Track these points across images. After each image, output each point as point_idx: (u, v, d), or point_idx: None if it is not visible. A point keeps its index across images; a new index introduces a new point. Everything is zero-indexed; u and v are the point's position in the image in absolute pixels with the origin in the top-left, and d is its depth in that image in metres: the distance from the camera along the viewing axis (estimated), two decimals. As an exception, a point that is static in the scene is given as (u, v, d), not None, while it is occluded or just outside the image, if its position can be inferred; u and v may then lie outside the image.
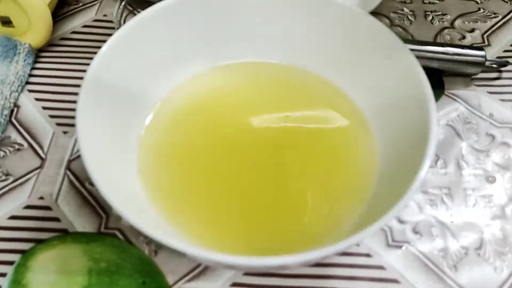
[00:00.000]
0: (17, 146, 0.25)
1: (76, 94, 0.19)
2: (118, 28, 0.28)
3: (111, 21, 0.31)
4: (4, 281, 0.20)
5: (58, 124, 0.26)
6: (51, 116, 0.26)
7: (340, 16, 0.22)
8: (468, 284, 0.21)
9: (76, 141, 0.25)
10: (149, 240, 0.22)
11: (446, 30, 0.30)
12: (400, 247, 0.22)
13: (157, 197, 0.20)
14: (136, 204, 0.19)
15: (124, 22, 0.29)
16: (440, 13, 0.31)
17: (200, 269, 0.21)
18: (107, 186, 0.16)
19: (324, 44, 0.23)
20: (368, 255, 0.21)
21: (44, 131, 0.26)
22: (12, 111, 0.26)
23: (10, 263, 0.21)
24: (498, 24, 0.31)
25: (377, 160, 0.21)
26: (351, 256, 0.21)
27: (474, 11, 0.32)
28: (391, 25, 0.31)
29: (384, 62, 0.21)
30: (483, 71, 0.27)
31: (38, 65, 0.28)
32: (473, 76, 0.28)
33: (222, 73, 0.24)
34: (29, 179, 0.24)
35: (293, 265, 0.16)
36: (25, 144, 0.25)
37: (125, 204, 0.17)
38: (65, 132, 0.26)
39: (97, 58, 0.20)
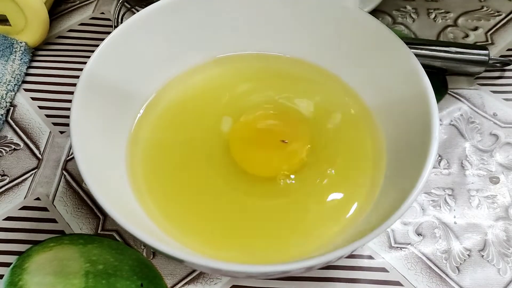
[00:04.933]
0: (13, 146, 0.25)
1: (73, 93, 0.19)
2: (115, 26, 0.28)
3: (108, 19, 0.31)
4: (0, 283, 0.20)
5: (55, 124, 0.26)
6: (48, 116, 0.26)
7: (340, 14, 0.22)
8: (471, 286, 0.20)
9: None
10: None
11: (449, 28, 0.30)
12: (403, 249, 0.21)
13: (149, 200, 0.20)
14: (132, 209, 0.19)
15: (122, 20, 0.29)
16: (443, 11, 0.31)
17: (199, 272, 0.21)
18: (102, 192, 0.16)
19: (326, 39, 0.23)
20: (370, 257, 0.21)
21: (41, 131, 0.25)
22: (8, 110, 0.26)
23: (6, 264, 0.21)
24: (501, 23, 0.30)
25: (383, 160, 0.20)
26: (353, 258, 0.21)
27: (477, 9, 0.31)
28: (394, 23, 0.30)
29: (385, 60, 0.21)
30: (486, 70, 0.27)
31: (34, 64, 0.28)
32: (477, 75, 0.27)
33: (221, 65, 0.24)
34: (25, 179, 0.23)
35: (294, 271, 0.15)
36: (22, 144, 0.25)
37: (122, 210, 0.16)
38: (61, 132, 0.25)
39: (93, 57, 0.20)
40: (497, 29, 0.30)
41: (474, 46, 0.27)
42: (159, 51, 0.23)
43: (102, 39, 0.20)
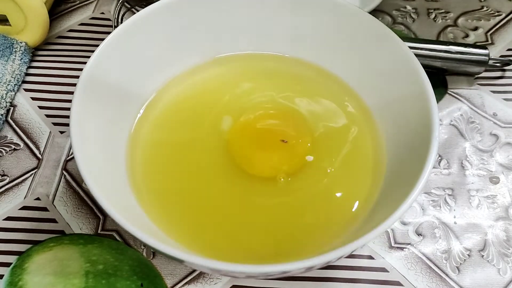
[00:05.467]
0: (13, 146, 0.25)
1: (73, 93, 0.19)
2: (115, 26, 0.28)
3: (108, 19, 0.31)
4: (0, 283, 0.20)
5: (55, 124, 0.26)
6: (48, 116, 0.26)
7: (340, 14, 0.22)
8: (471, 286, 0.20)
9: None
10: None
11: (449, 28, 0.30)
12: (403, 249, 0.21)
13: (149, 200, 0.20)
14: (132, 209, 0.19)
15: (122, 20, 0.29)
16: (443, 10, 0.31)
17: (199, 272, 0.21)
18: (102, 192, 0.16)
19: (326, 39, 0.23)
20: (370, 257, 0.21)
21: (41, 131, 0.25)
22: (8, 110, 0.26)
23: (6, 264, 0.21)
24: (501, 23, 0.30)
25: (383, 160, 0.20)
26: (353, 258, 0.21)
27: (477, 9, 0.31)
28: (394, 23, 0.30)
29: (385, 60, 0.21)
30: (486, 70, 0.27)
31: (34, 64, 0.28)
32: (477, 75, 0.27)
33: (221, 65, 0.24)
34: (25, 179, 0.23)
35: (294, 271, 0.15)
36: (22, 144, 0.25)
37: (122, 210, 0.16)
38: (61, 132, 0.25)
39: (93, 57, 0.20)
40: (497, 29, 0.30)
41: (474, 46, 0.27)
42: (159, 51, 0.23)
43: (102, 39, 0.20)
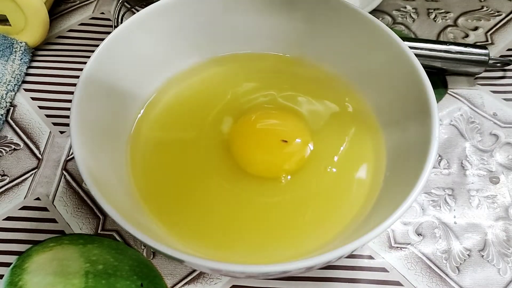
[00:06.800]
0: (13, 146, 0.25)
1: (73, 93, 0.19)
2: (115, 26, 0.28)
3: (108, 19, 0.31)
4: (0, 283, 0.20)
5: (55, 124, 0.26)
6: (48, 116, 0.26)
7: (340, 14, 0.22)
8: (471, 286, 0.20)
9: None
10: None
11: (449, 28, 0.30)
12: (403, 248, 0.21)
13: (149, 200, 0.20)
14: (132, 209, 0.19)
15: (122, 20, 0.29)
16: (443, 11, 0.31)
17: (199, 272, 0.21)
18: (102, 192, 0.16)
19: (326, 39, 0.23)
20: (370, 257, 0.21)
21: (41, 131, 0.25)
22: (8, 110, 0.26)
23: (6, 264, 0.21)
24: (501, 23, 0.30)
25: (383, 160, 0.20)
26: (353, 258, 0.21)
27: (478, 9, 0.31)
28: (394, 23, 0.30)
29: (385, 60, 0.21)
30: (486, 70, 0.27)
31: (34, 64, 0.28)
32: (477, 75, 0.27)
33: (221, 65, 0.24)
34: (25, 179, 0.23)
35: (294, 271, 0.15)
36: (22, 144, 0.25)
37: (122, 210, 0.16)
38: (61, 132, 0.25)
39: (93, 57, 0.20)
40: (497, 29, 0.30)
41: (474, 46, 0.27)
42: (159, 51, 0.23)
43: (102, 39, 0.20)
